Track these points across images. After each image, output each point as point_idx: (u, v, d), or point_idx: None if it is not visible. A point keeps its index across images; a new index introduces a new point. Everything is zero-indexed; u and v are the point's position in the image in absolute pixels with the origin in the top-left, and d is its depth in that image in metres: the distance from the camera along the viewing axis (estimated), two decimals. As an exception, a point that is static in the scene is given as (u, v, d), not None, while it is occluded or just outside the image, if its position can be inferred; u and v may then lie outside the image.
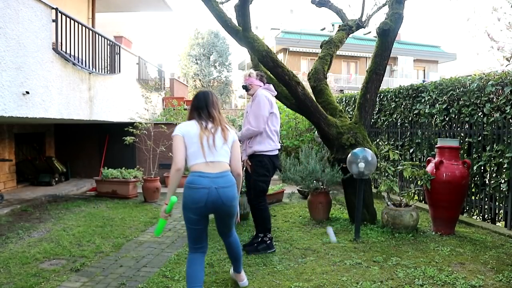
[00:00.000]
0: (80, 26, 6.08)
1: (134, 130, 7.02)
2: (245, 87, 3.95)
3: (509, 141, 4.54)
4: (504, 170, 4.60)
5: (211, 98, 2.75)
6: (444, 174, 4.37)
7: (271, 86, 4.06)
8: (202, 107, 2.71)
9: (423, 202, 6.04)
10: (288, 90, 4.69)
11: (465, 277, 3.19)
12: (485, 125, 4.90)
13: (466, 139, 5.20)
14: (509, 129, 4.53)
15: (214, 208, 2.60)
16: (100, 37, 6.90)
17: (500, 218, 4.89)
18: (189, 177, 2.59)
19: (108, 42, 7.29)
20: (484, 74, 5.06)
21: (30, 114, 4.82)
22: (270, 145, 3.84)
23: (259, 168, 3.82)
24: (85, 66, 6.23)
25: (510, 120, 4.55)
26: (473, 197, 5.19)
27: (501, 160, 4.62)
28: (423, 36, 77.76)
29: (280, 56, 26.58)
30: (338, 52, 5.81)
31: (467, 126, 5.21)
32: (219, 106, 2.79)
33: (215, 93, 2.85)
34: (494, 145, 4.74)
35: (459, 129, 5.34)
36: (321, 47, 5.71)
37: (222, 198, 2.55)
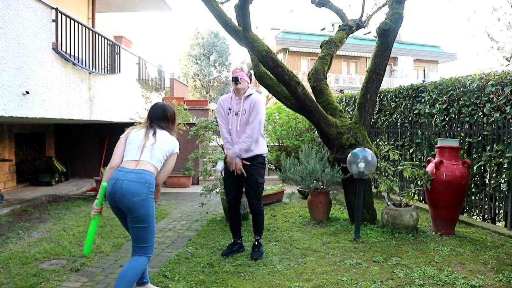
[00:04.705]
0: (80, 26, 6.08)
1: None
2: (236, 79, 3.68)
3: (509, 141, 4.54)
4: (504, 170, 4.59)
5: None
6: (444, 174, 4.37)
7: (258, 88, 3.97)
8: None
9: (423, 202, 6.04)
10: (288, 90, 4.68)
11: (465, 277, 3.19)
12: (485, 125, 4.90)
13: (466, 139, 5.19)
14: (509, 129, 4.53)
15: (117, 201, 2.57)
16: (100, 37, 6.90)
17: (500, 218, 4.89)
18: None
19: (108, 42, 7.29)
20: (484, 74, 5.06)
21: (30, 114, 4.82)
22: (266, 146, 3.88)
23: (261, 169, 3.79)
24: (85, 66, 6.24)
25: (510, 120, 4.55)
26: (473, 197, 5.19)
27: (501, 160, 4.62)
28: (423, 36, 77.78)
29: (280, 56, 26.57)
30: (338, 52, 5.80)
31: (467, 126, 5.21)
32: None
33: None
34: (494, 145, 4.74)
35: (459, 129, 5.34)
36: (321, 47, 5.71)
37: (123, 190, 2.52)
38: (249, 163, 3.67)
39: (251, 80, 3.85)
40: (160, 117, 2.82)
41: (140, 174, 2.56)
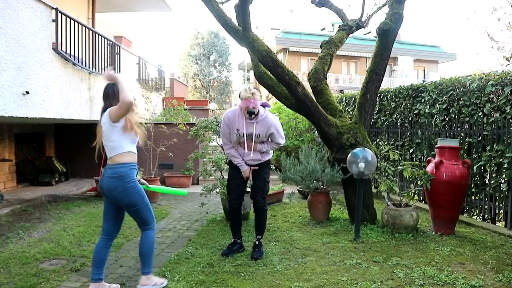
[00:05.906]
0: (80, 26, 6.08)
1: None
2: (251, 113, 3.50)
3: (509, 141, 4.54)
4: (504, 170, 4.59)
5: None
6: (444, 174, 4.37)
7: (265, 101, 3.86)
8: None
9: (423, 202, 6.04)
10: (288, 90, 4.68)
11: (465, 277, 3.19)
12: (485, 125, 4.90)
13: (466, 139, 5.20)
14: (509, 129, 4.53)
15: (105, 195, 2.91)
16: (100, 37, 6.90)
17: (500, 218, 4.89)
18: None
19: (108, 42, 7.29)
20: (484, 74, 5.06)
21: (30, 114, 4.82)
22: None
23: (268, 169, 3.94)
24: (85, 66, 6.24)
25: (510, 120, 4.55)
26: (473, 197, 5.19)
27: (501, 160, 4.62)
28: (423, 36, 77.72)
29: (280, 56, 26.57)
30: (338, 52, 5.80)
31: (467, 126, 5.21)
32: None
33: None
34: (494, 145, 4.74)
35: (459, 129, 5.34)
36: (321, 47, 5.71)
37: (103, 187, 2.85)
38: (257, 167, 3.82)
39: (261, 96, 3.64)
40: (103, 100, 3.00)
41: (113, 170, 2.82)
